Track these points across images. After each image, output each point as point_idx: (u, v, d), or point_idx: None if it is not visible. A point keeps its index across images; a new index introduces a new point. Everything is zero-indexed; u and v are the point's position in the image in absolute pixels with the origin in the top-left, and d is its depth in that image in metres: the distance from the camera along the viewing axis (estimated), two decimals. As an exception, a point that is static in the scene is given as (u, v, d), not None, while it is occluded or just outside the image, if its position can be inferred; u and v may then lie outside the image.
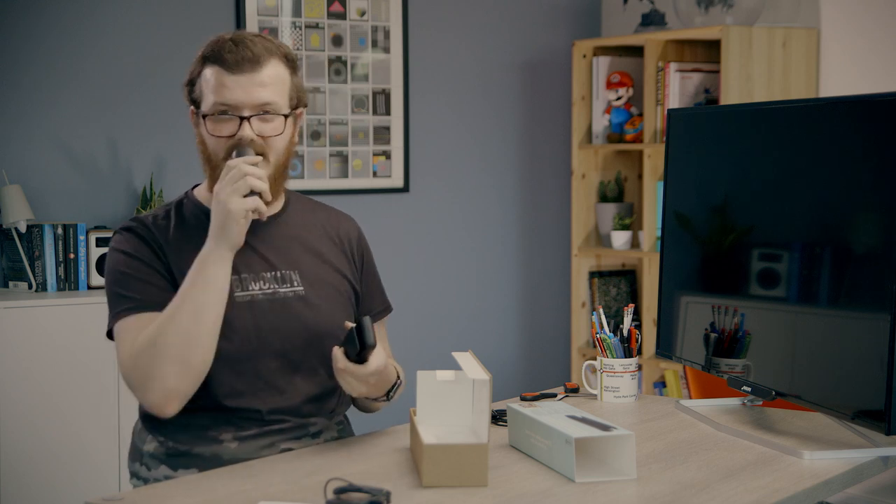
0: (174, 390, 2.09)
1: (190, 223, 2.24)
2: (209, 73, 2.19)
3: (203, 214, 2.24)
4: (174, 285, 2.17)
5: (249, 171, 2.10)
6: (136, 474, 2.24)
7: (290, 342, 2.21)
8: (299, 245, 2.29)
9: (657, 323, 2.65)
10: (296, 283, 2.24)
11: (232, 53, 2.17)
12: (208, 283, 2.11)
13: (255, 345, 2.18)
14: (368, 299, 2.38)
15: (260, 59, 2.18)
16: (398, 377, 2.24)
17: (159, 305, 2.14)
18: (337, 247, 2.35)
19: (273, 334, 2.20)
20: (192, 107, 2.25)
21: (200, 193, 2.29)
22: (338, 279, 2.31)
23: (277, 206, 2.30)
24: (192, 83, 2.23)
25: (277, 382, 2.20)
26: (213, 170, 2.21)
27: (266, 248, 2.25)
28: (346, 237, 2.37)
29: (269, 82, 2.18)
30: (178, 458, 2.18)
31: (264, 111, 2.18)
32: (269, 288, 2.22)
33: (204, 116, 2.19)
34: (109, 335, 2.20)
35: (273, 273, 2.23)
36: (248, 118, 2.17)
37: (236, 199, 2.10)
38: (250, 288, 2.20)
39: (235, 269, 2.20)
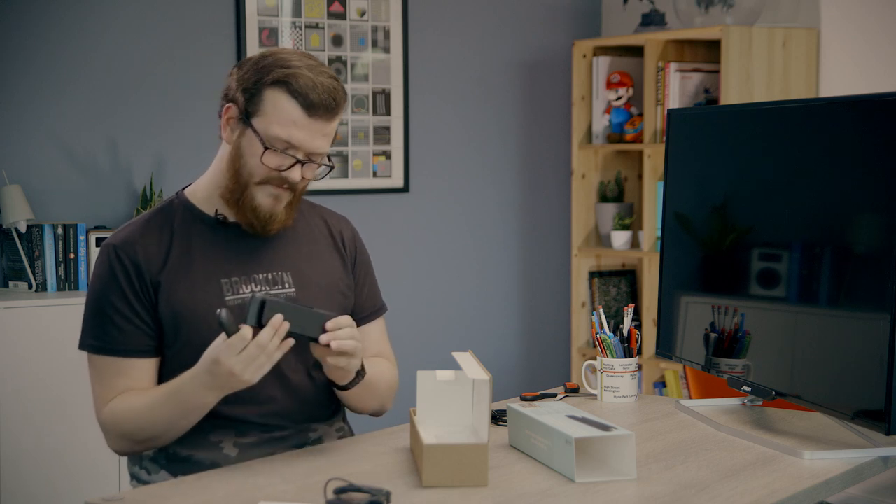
0: (129, 452, 2.22)
1: (181, 229, 2.22)
2: (285, 102, 2.11)
3: (196, 218, 2.23)
4: (155, 312, 2.16)
5: (274, 350, 1.99)
6: (136, 477, 2.24)
7: None
8: (292, 246, 2.28)
9: (657, 323, 2.65)
10: (287, 285, 2.23)
11: (317, 94, 2.10)
12: (192, 415, 2.12)
13: None
14: (362, 300, 2.37)
15: (338, 110, 2.15)
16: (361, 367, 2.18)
17: (131, 351, 2.16)
18: (331, 247, 2.33)
19: None
20: (231, 104, 2.16)
21: (194, 195, 2.26)
22: (331, 280, 2.30)
23: None
24: (251, 92, 2.14)
25: (269, 388, 2.18)
26: (239, 184, 2.16)
27: (258, 249, 2.24)
28: (339, 237, 2.35)
29: (331, 132, 2.16)
30: (177, 464, 2.18)
31: (317, 157, 2.16)
32: (259, 290, 2.20)
33: (262, 144, 2.12)
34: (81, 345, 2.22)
35: (265, 275, 2.22)
36: (303, 163, 2.14)
37: (259, 373, 2.00)
38: (241, 291, 2.19)
39: (226, 273, 2.19)
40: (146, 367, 2.17)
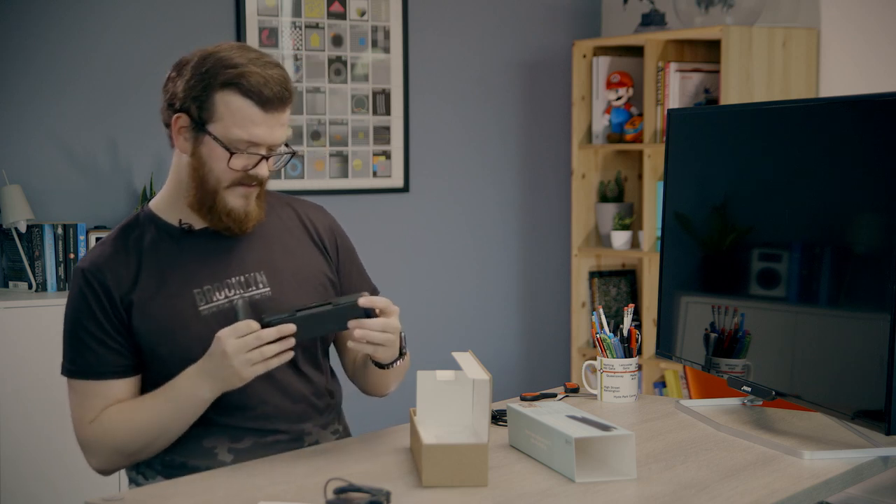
0: (113, 470, 2.20)
1: (148, 244, 2.20)
2: (239, 103, 2.10)
3: (162, 230, 2.21)
4: (130, 331, 2.15)
5: (269, 354, 2.02)
6: (133, 481, 2.24)
7: None
8: (263, 243, 2.25)
9: (657, 323, 2.65)
10: (262, 285, 2.21)
11: (269, 89, 2.10)
12: (185, 413, 2.11)
13: None
14: (350, 286, 2.34)
15: (291, 98, 2.14)
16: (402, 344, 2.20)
17: (107, 373, 2.16)
18: (307, 238, 2.31)
19: None
20: (181, 114, 2.15)
21: (158, 207, 2.24)
22: (310, 272, 2.27)
23: None
24: (201, 99, 2.12)
25: (259, 391, 2.17)
26: (207, 192, 2.15)
27: (228, 253, 2.21)
28: (313, 228, 2.33)
29: (287, 120, 2.16)
30: (174, 470, 2.17)
31: (277, 147, 2.16)
32: (234, 294, 2.18)
33: (226, 149, 2.11)
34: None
35: (238, 278, 2.20)
36: (267, 158, 2.15)
37: (249, 368, 2.02)
38: (215, 299, 2.17)
39: (198, 282, 2.17)
40: (124, 386, 2.17)
